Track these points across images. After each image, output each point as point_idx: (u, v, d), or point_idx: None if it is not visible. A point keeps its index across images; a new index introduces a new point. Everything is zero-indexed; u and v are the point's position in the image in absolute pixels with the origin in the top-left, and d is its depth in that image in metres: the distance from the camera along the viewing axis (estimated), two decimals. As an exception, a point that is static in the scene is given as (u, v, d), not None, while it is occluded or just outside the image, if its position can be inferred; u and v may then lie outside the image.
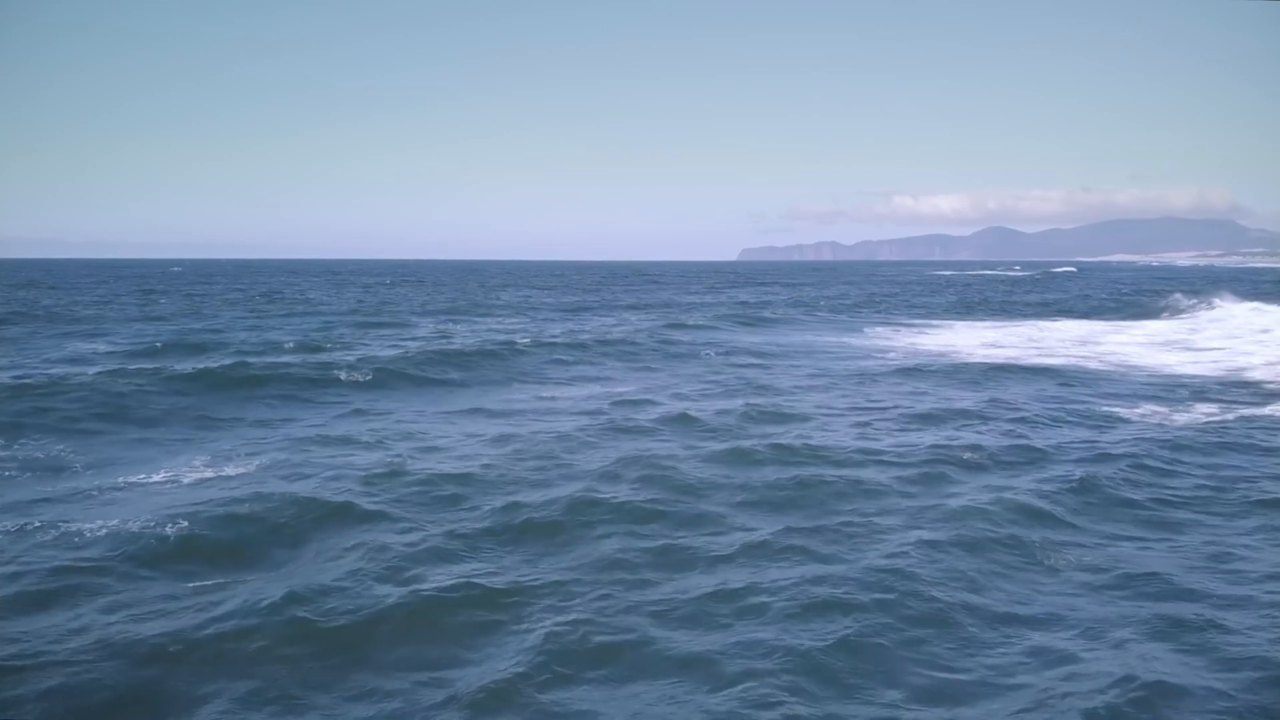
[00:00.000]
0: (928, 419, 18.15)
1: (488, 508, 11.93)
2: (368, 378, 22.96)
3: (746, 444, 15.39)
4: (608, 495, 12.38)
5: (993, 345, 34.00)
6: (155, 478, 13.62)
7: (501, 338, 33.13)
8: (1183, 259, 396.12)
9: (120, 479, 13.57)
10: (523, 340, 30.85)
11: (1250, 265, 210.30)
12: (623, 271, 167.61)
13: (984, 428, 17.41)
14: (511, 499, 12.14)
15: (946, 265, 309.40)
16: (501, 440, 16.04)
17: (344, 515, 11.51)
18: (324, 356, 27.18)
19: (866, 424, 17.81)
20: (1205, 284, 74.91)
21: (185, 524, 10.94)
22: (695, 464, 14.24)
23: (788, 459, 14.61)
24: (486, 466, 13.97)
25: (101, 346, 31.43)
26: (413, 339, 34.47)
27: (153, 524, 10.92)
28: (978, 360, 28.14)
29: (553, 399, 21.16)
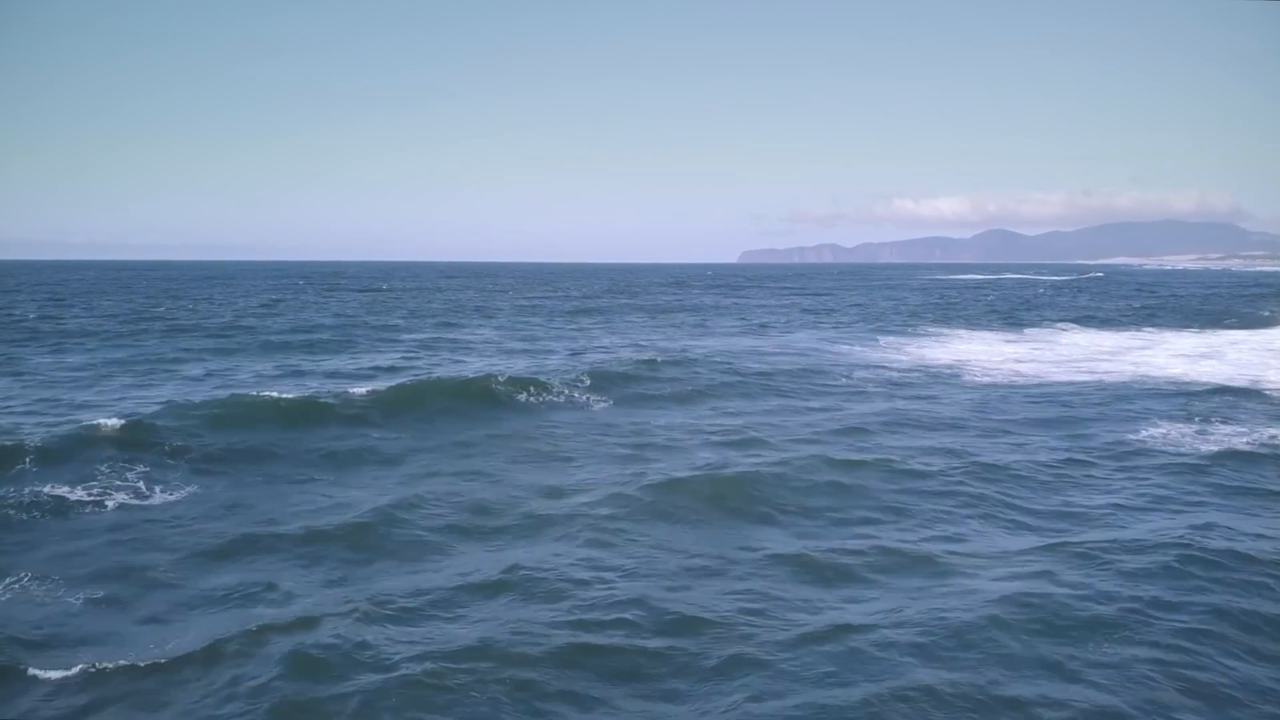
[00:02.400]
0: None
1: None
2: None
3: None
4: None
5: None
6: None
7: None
8: (1183, 262, 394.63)
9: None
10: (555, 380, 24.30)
11: (1261, 269, 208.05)
12: (626, 276, 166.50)
13: None
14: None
15: (950, 268, 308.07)
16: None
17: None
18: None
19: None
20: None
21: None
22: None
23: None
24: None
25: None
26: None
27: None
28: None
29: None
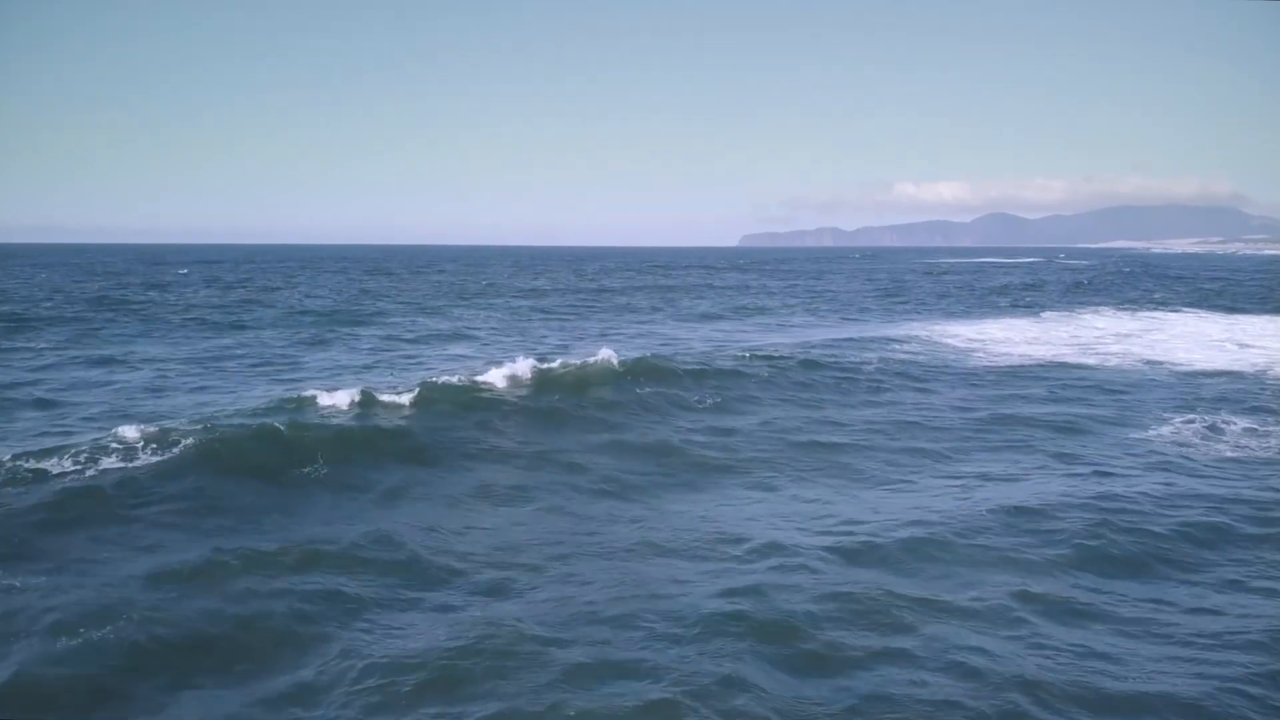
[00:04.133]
0: None
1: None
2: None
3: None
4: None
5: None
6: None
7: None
8: (1184, 246, 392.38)
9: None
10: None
11: (1271, 253, 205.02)
12: (630, 259, 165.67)
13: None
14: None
15: (951, 252, 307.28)
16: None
17: None
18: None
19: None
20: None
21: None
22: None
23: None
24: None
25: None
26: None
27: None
28: None
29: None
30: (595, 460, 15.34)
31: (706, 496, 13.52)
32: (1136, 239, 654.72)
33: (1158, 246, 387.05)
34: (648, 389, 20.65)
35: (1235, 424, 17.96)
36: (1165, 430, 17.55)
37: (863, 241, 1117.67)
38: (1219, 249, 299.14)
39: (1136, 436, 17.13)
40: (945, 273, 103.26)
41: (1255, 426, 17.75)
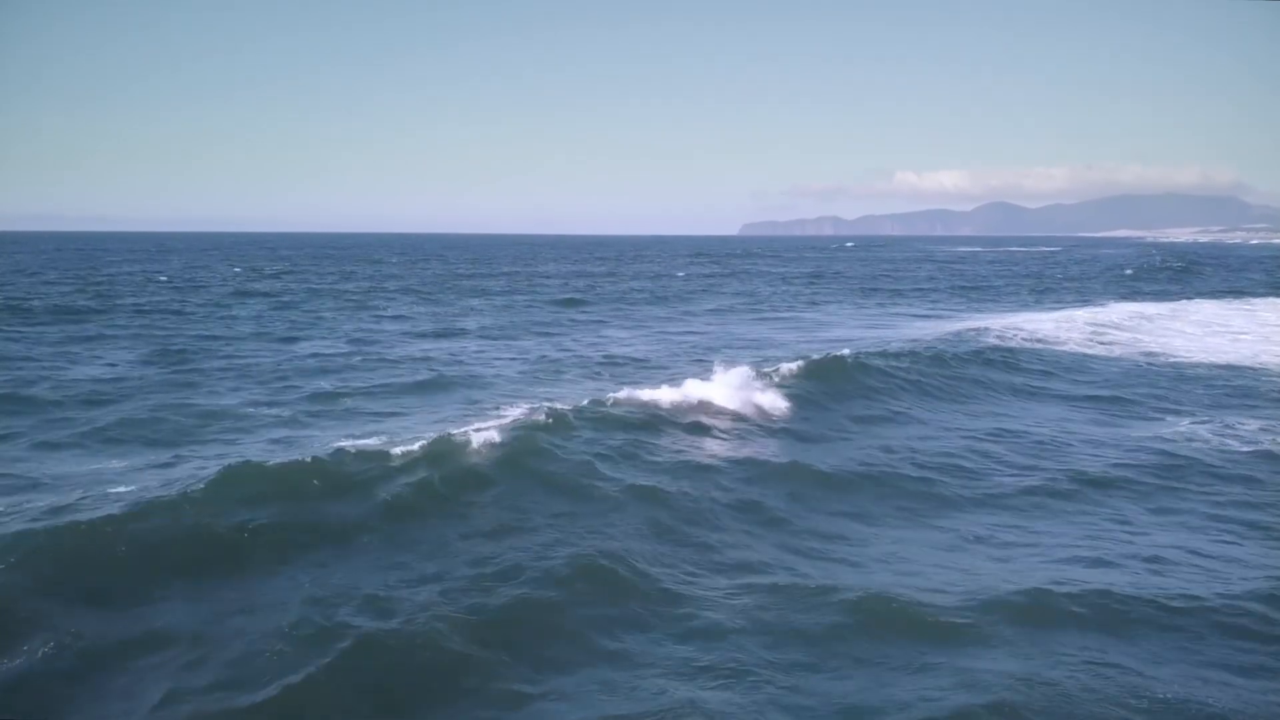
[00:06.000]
0: None
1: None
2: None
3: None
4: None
5: None
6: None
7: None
8: (1185, 235, 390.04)
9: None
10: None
11: (1272, 242, 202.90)
12: (637, 249, 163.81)
13: None
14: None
15: (951, 241, 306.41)
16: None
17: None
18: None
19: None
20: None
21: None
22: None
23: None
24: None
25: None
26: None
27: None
28: None
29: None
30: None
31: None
32: (1137, 228, 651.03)
33: (1160, 236, 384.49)
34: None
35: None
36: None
37: (863, 230, 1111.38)
38: (1222, 238, 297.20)
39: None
40: (986, 261, 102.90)
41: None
